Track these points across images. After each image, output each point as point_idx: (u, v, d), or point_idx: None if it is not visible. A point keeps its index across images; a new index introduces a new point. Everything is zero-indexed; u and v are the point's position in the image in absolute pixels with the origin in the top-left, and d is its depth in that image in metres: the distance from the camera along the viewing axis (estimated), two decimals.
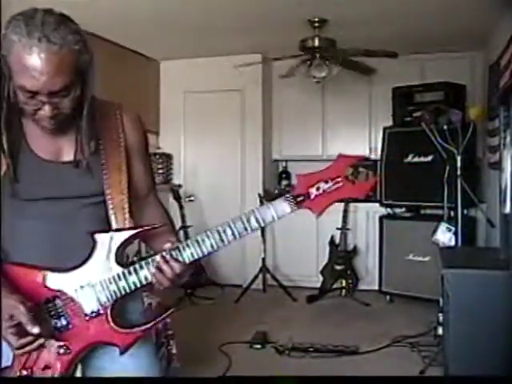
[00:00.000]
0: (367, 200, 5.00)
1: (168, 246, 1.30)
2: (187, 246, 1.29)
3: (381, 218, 5.05)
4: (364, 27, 4.30)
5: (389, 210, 5.10)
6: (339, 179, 1.28)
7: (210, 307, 4.90)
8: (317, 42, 4.23)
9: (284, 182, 5.98)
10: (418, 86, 4.94)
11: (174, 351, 2.94)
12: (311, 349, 3.72)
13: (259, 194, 5.43)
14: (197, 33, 4.61)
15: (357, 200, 4.88)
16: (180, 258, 1.28)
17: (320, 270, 5.26)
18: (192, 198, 5.70)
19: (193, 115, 5.72)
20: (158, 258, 1.29)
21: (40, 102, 1.22)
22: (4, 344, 1.29)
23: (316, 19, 4.14)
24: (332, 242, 5.27)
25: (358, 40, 4.11)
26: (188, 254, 1.29)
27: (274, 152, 5.90)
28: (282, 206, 1.27)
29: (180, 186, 5.68)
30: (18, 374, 1.30)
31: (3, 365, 1.31)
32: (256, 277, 5.30)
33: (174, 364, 2.92)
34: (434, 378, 3.12)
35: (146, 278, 1.30)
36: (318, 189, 1.27)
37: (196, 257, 1.29)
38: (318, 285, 5.20)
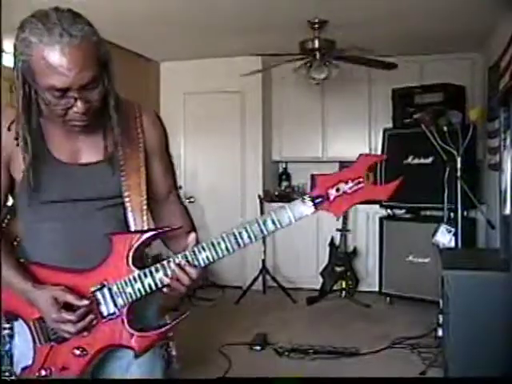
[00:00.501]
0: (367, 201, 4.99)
1: (189, 240, 1.28)
2: (203, 248, 1.26)
3: (381, 220, 5.05)
4: (364, 28, 4.29)
5: (389, 211, 5.09)
6: (360, 180, 1.21)
7: (210, 309, 4.89)
8: (317, 44, 4.22)
9: (284, 183, 5.99)
10: (418, 87, 4.94)
11: (173, 353, 2.92)
12: (311, 350, 3.72)
13: (259, 196, 5.43)
14: (197, 34, 4.61)
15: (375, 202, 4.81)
16: (195, 262, 1.26)
17: (320, 272, 5.25)
18: (192, 200, 5.69)
19: (193, 116, 5.71)
20: (172, 265, 1.26)
21: (72, 99, 1.21)
22: (24, 344, 1.30)
23: (316, 20, 4.13)
24: (332, 243, 5.27)
25: (357, 41, 4.10)
26: (203, 257, 1.26)
27: (273, 153, 5.90)
28: (300, 208, 1.22)
29: (180, 187, 5.63)
30: (37, 374, 1.30)
31: (24, 365, 1.31)
32: (256, 278, 5.30)
33: (173, 365, 2.91)
34: (435, 380, 3.12)
35: (161, 281, 1.27)
36: (337, 190, 1.21)
37: (211, 260, 1.26)
38: (318, 286, 5.19)
